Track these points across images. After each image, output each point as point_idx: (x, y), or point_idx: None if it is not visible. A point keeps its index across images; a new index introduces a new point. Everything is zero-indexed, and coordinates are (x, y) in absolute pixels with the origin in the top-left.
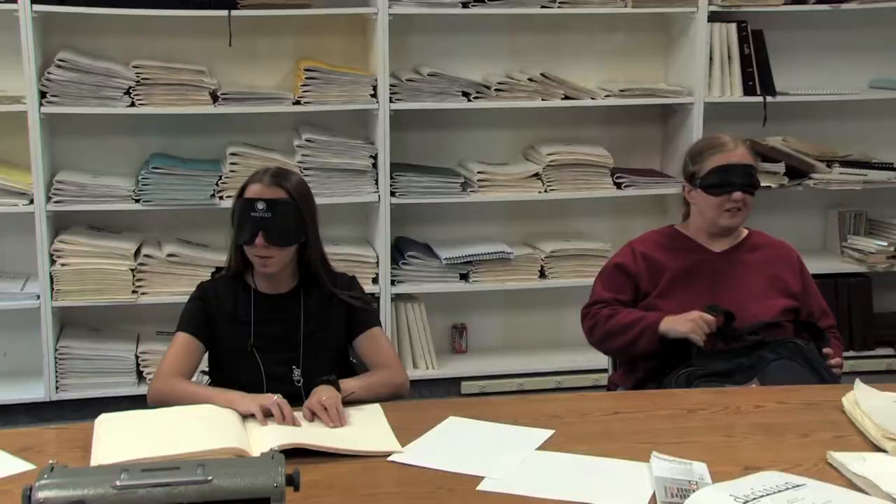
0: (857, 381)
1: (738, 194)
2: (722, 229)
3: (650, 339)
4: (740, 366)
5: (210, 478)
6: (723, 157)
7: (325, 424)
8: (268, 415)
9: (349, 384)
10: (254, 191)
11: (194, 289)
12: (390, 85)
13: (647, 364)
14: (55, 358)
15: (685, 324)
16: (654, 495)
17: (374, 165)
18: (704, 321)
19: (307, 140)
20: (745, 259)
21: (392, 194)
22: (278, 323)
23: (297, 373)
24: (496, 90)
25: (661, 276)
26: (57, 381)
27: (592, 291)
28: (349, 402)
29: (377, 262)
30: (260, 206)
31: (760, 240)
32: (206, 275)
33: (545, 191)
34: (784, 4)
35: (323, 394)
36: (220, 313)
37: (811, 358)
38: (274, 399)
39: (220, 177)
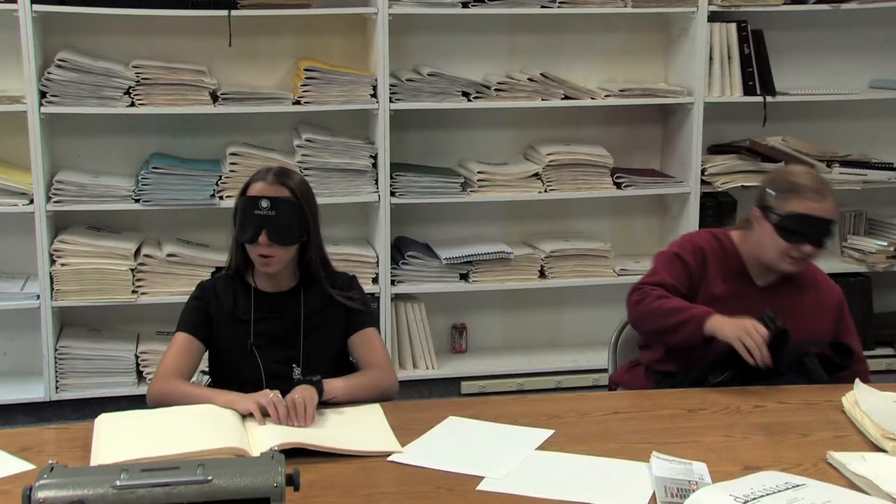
0: (857, 380)
1: (809, 248)
2: (778, 270)
3: (692, 331)
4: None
5: (210, 478)
6: (809, 205)
7: (324, 424)
8: (266, 414)
9: (333, 385)
10: (257, 189)
11: (194, 288)
12: (390, 85)
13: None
14: (55, 358)
15: (734, 329)
16: (654, 495)
17: (374, 165)
18: (757, 331)
19: (307, 140)
20: (785, 299)
21: (392, 194)
22: (278, 321)
23: (297, 371)
24: (496, 90)
25: (704, 286)
26: (57, 381)
27: (653, 272)
28: (335, 403)
29: (377, 262)
30: (264, 203)
31: (807, 276)
32: (205, 275)
33: (545, 191)
34: (784, 4)
35: (296, 392)
36: (219, 312)
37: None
38: (270, 397)
39: (220, 177)
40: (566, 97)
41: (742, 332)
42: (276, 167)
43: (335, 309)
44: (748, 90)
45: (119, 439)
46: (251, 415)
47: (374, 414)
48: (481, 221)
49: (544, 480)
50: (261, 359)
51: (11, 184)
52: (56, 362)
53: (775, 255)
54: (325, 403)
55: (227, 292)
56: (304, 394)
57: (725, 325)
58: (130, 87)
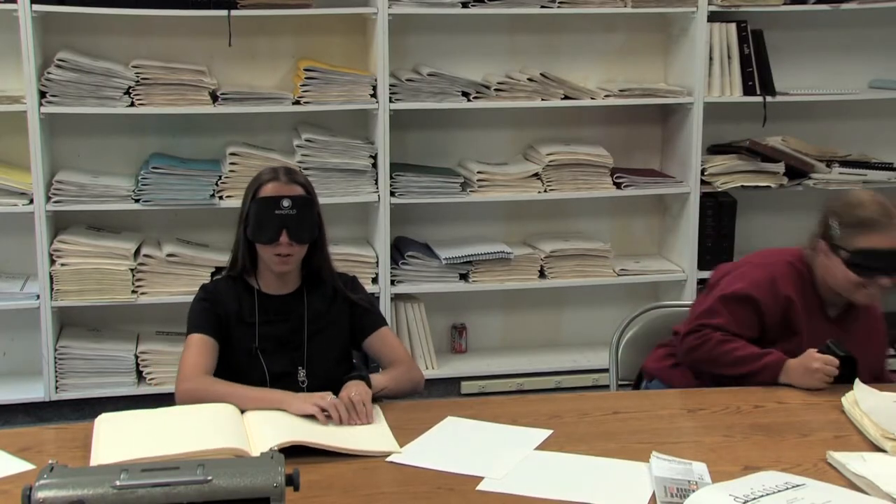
0: (857, 380)
1: (885, 280)
2: (852, 300)
3: (765, 381)
4: None
5: (210, 478)
6: (880, 240)
7: (340, 421)
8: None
9: (379, 380)
10: (272, 189)
11: (197, 290)
12: (390, 85)
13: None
14: (55, 358)
15: (810, 380)
16: (653, 495)
17: (374, 165)
18: (827, 372)
19: (307, 140)
20: (854, 328)
21: (392, 194)
22: (283, 324)
23: (302, 373)
24: (496, 90)
25: (783, 329)
26: (56, 381)
27: (713, 311)
28: (377, 398)
29: (377, 262)
30: (285, 203)
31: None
32: (205, 275)
33: (545, 191)
34: (784, 4)
35: (353, 389)
36: (225, 314)
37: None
38: (329, 399)
39: (220, 177)
40: (566, 97)
41: (818, 380)
42: (280, 167)
43: (339, 310)
44: (748, 90)
45: (119, 439)
46: (250, 413)
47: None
48: (481, 221)
49: (544, 480)
50: (265, 361)
51: (11, 184)
52: (56, 362)
53: (847, 288)
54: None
55: (230, 294)
56: (359, 390)
57: (801, 380)
58: (130, 87)
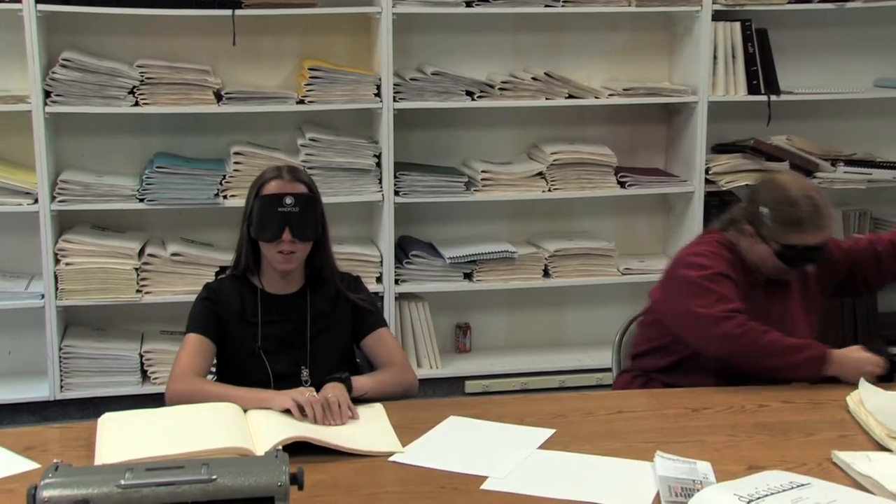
0: (862, 380)
1: (811, 267)
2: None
3: (810, 373)
4: None
5: (214, 477)
6: (811, 237)
7: (315, 419)
8: (303, 413)
9: (361, 383)
10: (275, 187)
11: (200, 289)
12: (394, 84)
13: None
14: (59, 357)
15: (857, 375)
16: (658, 494)
17: (378, 164)
18: (872, 372)
19: (311, 139)
20: (785, 287)
21: (396, 193)
22: (286, 324)
23: (305, 373)
24: (500, 89)
25: (744, 294)
26: (61, 381)
27: (718, 296)
28: (361, 400)
29: (381, 262)
30: (288, 200)
31: None
32: (209, 274)
33: (549, 190)
34: (788, 3)
35: (330, 391)
36: (227, 314)
37: None
38: (307, 396)
39: (224, 176)
40: (570, 96)
41: (867, 374)
42: (284, 165)
43: (342, 310)
44: (752, 89)
45: (123, 438)
46: (253, 412)
47: (376, 413)
48: (485, 221)
49: (548, 480)
50: (269, 360)
51: (16, 183)
52: (61, 361)
53: (775, 270)
54: (353, 400)
55: (234, 294)
56: (336, 392)
57: (849, 371)
58: (135, 87)
